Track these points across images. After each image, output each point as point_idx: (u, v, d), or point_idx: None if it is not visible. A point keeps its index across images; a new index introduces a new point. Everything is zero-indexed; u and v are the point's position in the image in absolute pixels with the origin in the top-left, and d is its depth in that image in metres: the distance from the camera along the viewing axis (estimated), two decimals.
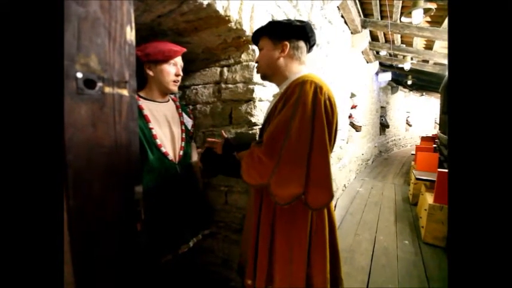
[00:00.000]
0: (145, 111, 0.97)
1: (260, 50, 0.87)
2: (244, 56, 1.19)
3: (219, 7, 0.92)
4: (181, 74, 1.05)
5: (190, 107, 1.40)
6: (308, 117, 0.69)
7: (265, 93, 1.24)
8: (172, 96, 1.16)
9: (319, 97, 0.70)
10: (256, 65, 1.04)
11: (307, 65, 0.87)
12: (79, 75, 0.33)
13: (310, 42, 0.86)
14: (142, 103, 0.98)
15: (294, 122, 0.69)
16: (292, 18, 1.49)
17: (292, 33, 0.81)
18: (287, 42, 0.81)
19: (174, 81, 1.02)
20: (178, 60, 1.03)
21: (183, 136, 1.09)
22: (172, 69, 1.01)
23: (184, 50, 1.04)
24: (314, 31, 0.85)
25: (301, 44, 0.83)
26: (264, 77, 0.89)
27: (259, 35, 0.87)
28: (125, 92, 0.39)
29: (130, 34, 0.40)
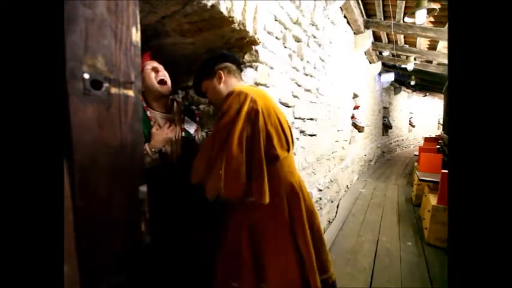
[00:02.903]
0: (153, 121, 1.02)
1: (205, 92, 1.00)
2: (247, 57, 1.20)
3: (223, 8, 0.93)
4: (162, 71, 1.05)
5: (194, 107, 1.40)
6: (228, 121, 0.79)
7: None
8: (179, 99, 1.17)
9: (243, 102, 0.79)
10: (258, 65, 1.17)
11: (247, 81, 1.00)
12: (86, 76, 0.33)
13: (235, 62, 0.99)
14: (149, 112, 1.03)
15: (218, 126, 0.81)
16: (294, 19, 1.50)
17: (216, 61, 0.96)
18: (219, 70, 0.94)
19: (159, 82, 1.03)
20: (153, 62, 1.04)
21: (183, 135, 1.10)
22: (151, 73, 1.02)
23: (150, 53, 1.07)
24: (231, 54, 1.01)
25: (230, 65, 0.97)
26: (215, 105, 1.01)
27: (199, 84, 1.00)
28: (131, 93, 0.39)
29: (136, 35, 0.40)
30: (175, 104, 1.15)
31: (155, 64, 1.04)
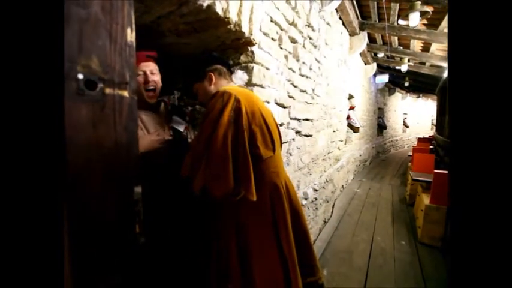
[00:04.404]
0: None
1: (197, 93, 1.03)
2: (243, 58, 1.20)
3: (219, 9, 0.93)
4: (151, 79, 1.00)
5: (189, 107, 1.40)
6: (212, 120, 0.81)
7: (263, 95, 1.25)
8: (166, 99, 1.16)
9: (227, 102, 0.81)
10: (254, 66, 1.18)
11: (236, 82, 1.02)
12: (80, 76, 0.33)
13: (224, 63, 1.02)
14: None
15: (203, 125, 0.84)
16: (290, 20, 1.50)
17: (206, 64, 0.98)
18: (210, 72, 0.97)
19: (148, 91, 0.99)
20: (145, 66, 0.99)
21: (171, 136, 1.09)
22: (140, 79, 0.97)
23: (147, 53, 1.00)
24: (219, 56, 1.04)
25: (219, 66, 0.99)
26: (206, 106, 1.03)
27: (190, 86, 1.03)
28: (125, 93, 0.39)
29: (131, 35, 0.40)
30: (162, 104, 1.13)
31: (148, 69, 1.00)
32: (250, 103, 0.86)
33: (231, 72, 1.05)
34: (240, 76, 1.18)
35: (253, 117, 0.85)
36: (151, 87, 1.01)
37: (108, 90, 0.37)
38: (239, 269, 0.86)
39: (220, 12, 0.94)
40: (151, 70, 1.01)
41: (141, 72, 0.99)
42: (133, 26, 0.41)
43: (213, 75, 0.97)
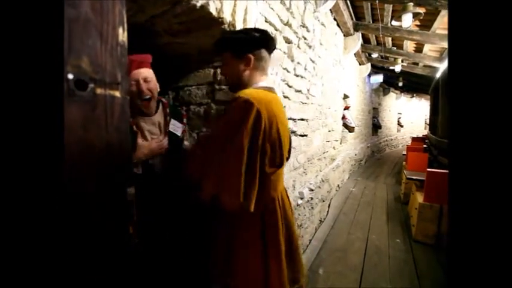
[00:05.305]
0: (134, 128, 0.97)
1: (224, 64, 0.89)
2: None
3: (212, 9, 0.93)
4: (145, 89, 0.95)
5: (184, 108, 1.39)
6: (229, 129, 0.75)
7: None
8: (165, 100, 1.13)
9: (249, 113, 0.74)
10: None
11: (268, 74, 0.91)
12: (70, 76, 0.32)
13: (271, 48, 0.89)
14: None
15: (219, 129, 0.78)
16: (285, 20, 1.51)
17: (253, 45, 0.84)
18: (251, 55, 0.83)
19: (143, 101, 0.95)
20: (137, 75, 0.93)
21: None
22: (133, 89, 0.91)
23: (139, 59, 0.94)
24: (272, 37, 0.89)
25: (264, 53, 0.86)
26: (233, 89, 0.91)
27: (221, 49, 0.88)
28: (117, 94, 0.39)
29: (123, 35, 0.40)
30: (160, 105, 1.10)
31: (140, 76, 0.95)
32: (270, 113, 0.80)
33: (270, 53, 0.92)
34: None
35: (270, 132, 0.80)
36: (147, 97, 0.96)
37: (99, 91, 0.36)
38: (225, 273, 0.86)
39: (214, 12, 0.94)
40: (145, 78, 0.96)
41: (133, 82, 0.92)
42: (125, 26, 0.41)
43: (253, 61, 0.84)
